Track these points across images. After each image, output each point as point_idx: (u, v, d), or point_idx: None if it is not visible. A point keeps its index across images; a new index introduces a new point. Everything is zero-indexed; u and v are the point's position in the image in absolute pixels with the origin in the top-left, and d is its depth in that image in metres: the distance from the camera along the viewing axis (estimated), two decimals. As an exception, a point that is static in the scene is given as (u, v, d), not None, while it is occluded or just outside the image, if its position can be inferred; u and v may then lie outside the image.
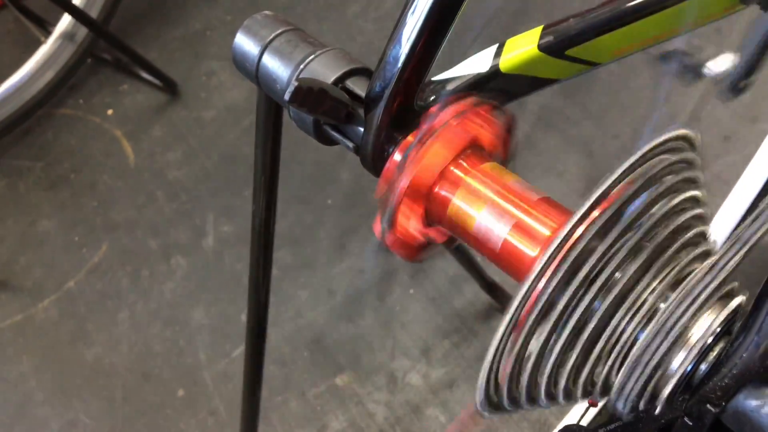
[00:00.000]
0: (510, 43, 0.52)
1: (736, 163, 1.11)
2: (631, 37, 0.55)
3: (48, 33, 1.41)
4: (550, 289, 0.33)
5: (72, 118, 1.44)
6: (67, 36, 1.41)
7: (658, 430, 0.39)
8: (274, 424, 1.01)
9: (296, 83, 0.40)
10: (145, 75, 1.44)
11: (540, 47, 0.51)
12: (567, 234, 0.33)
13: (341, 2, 1.53)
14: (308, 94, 0.42)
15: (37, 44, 1.40)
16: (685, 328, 0.33)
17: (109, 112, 1.43)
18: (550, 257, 0.33)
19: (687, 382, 0.34)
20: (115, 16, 1.47)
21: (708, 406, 0.34)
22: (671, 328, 0.33)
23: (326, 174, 1.25)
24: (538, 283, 0.33)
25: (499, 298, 1.05)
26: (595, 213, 0.33)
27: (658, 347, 0.33)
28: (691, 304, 0.34)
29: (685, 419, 0.36)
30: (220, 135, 1.36)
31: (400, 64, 0.44)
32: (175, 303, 1.16)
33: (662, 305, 0.34)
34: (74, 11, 1.32)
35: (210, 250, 1.21)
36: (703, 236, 0.36)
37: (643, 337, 0.33)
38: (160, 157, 1.35)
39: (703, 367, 0.34)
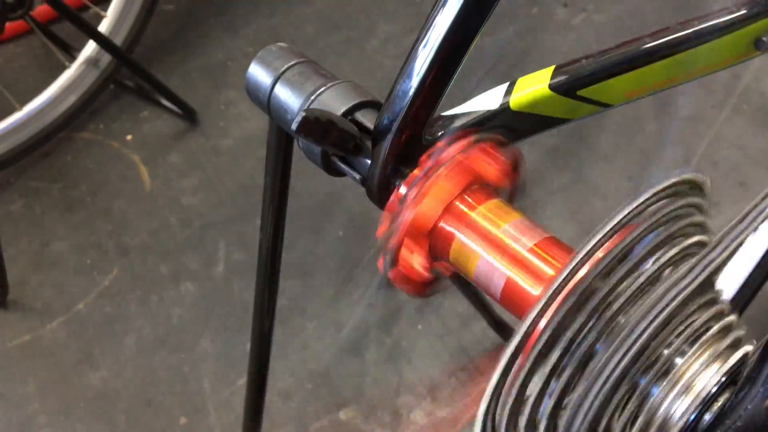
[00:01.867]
0: (521, 81, 0.52)
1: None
2: (642, 81, 0.55)
3: (73, 58, 1.44)
4: (551, 328, 0.32)
5: (91, 142, 1.46)
6: (91, 62, 1.44)
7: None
8: (275, 457, 1.00)
9: (304, 114, 0.41)
10: (165, 102, 1.46)
11: (551, 87, 0.52)
12: (570, 272, 0.32)
13: (361, 38, 1.55)
14: (315, 125, 0.42)
15: (62, 69, 1.43)
16: (691, 376, 0.33)
17: (128, 137, 1.45)
18: (551, 295, 0.32)
19: (691, 431, 0.33)
20: (139, 44, 1.50)
21: (711, 458, 0.33)
22: (674, 377, 0.33)
23: (337, 206, 1.26)
24: (539, 321, 0.32)
25: (507, 336, 1.03)
26: (599, 253, 0.33)
27: (661, 397, 0.33)
28: (696, 352, 0.33)
29: (689, 471, 0.35)
30: (235, 164, 1.37)
31: (408, 98, 0.44)
32: (182, 329, 1.15)
33: (665, 351, 0.33)
34: (99, 38, 1.35)
35: (220, 277, 1.21)
36: (710, 284, 0.35)
37: (644, 382, 0.33)
38: (176, 184, 1.36)
39: (708, 417, 0.33)
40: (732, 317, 0.35)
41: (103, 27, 1.43)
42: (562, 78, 0.51)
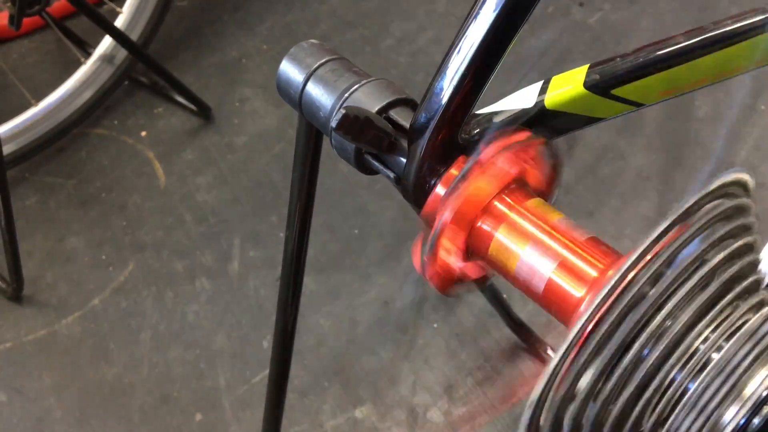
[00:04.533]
0: (556, 80, 0.52)
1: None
2: (677, 80, 0.54)
3: (88, 54, 1.44)
4: (600, 334, 0.32)
5: (106, 138, 1.46)
6: (107, 58, 1.44)
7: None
8: (291, 455, 1.00)
9: (344, 111, 0.40)
10: (180, 99, 1.46)
11: (586, 85, 0.51)
12: (620, 277, 0.32)
13: (375, 36, 1.54)
14: (354, 123, 0.42)
15: (77, 65, 1.43)
16: (739, 380, 0.32)
17: (143, 133, 1.45)
18: (602, 300, 0.32)
19: (739, 436, 0.33)
20: (154, 40, 1.49)
21: (760, 462, 0.33)
22: (725, 380, 0.32)
23: (353, 204, 1.25)
24: (588, 326, 0.32)
25: (526, 337, 1.03)
26: (648, 257, 0.33)
27: (709, 399, 0.32)
28: (747, 355, 0.32)
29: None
30: (250, 160, 1.37)
31: (446, 97, 0.44)
32: (197, 325, 1.15)
33: (715, 355, 0.32)
34: (115, 34, 1.35)
35: (235, 274, 1.21)
36: (758, 284, 0.35)
37: (693, 387, 0.32)
38: (191, 180, 1.36)
39: (757, 421, 0.33)
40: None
41: (119, 23, 1.43)
42: (596, 77, 0.51)
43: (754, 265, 0.36)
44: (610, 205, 1.20)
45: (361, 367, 1.06)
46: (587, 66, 0.52)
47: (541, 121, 0.50)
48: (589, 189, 1.22)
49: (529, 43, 1.46)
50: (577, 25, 1.49)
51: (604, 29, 1.47)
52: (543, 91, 0.51)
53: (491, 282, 0.86)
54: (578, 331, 0.32)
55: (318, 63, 0.50)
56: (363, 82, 0.48)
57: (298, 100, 0.51)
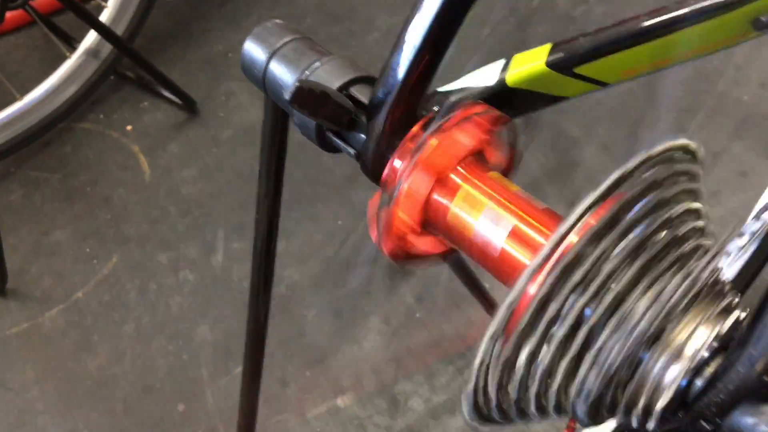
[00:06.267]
0: (518, 57, 0.52)
1: (752, 200, 1.09)
2: (640, 59, 0.54)
3: (73, 49, 1.44)
4: (540, 296, 0.32)
5: (92, 132, 1.46)
6: (92, 52, 1.44)
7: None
8: (273, 444, 1.00)
9: (298, 84, 0.40)
10: (165, 93, 1.46)
11: (548, 63, 0.51)
12: (559, 238, 0.32)
13: (362, 29, 1.55)
14: (309, 96, 0.42)
15: (63, 59, 1.43)
16: (679, 341, 0.32)
17: (129, 128, 1.45)
18: (540, 262, 0.32)
19: (683, 398, 0.33)
20: (140, 35, 1.49)
21: (703, 423, 0.33)
22: (666, 342, 0.32)
23: (337, 195, 1.26)
24: (527, 288, 0.32)
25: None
26: (590, 219, 0.33)
27: (650, 360, 0.32)
28: (686, 315, 0.33)
29: (681, 439, 0.35)
30: (235, 153, 1.37)
31: (403, 72, 0.44)
32: (180, 317, 1.16)
33: (653, 317, 0.32)
34: (100, 28, 1.35)
35: (219, 266, 1.21)
36: (703, 250, 0.35)
37: (631, 347, 0.32)
38: (176, 174, 1.36)
39: (699, 382, 0.33)
40: (726, 284, 0.35)
41: (104, 17, 1.43)
42: (559, 55, 0.51)
43: (699, 231, 0.36)
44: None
45: (344, 356, 1.07)
46: (550, 44, 0.53)
47: (502, 98, 0.51)
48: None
49: (514, 36, 1.47)
50: (563, 17, 1.50)
51: (589, 21, 1.48)
52: (505, 68, 0.51)
53: (469, 267, 0.87)
54: (518, 292, 0.32)
55: (281, 42, 0.51)
56: (325, 60, 0.49)
57: (262, 80, 0.51)
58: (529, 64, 0.51)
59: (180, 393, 1.07)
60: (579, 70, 0.52)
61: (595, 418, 0.34)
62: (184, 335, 1.13)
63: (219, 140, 1.40)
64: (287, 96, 0.41)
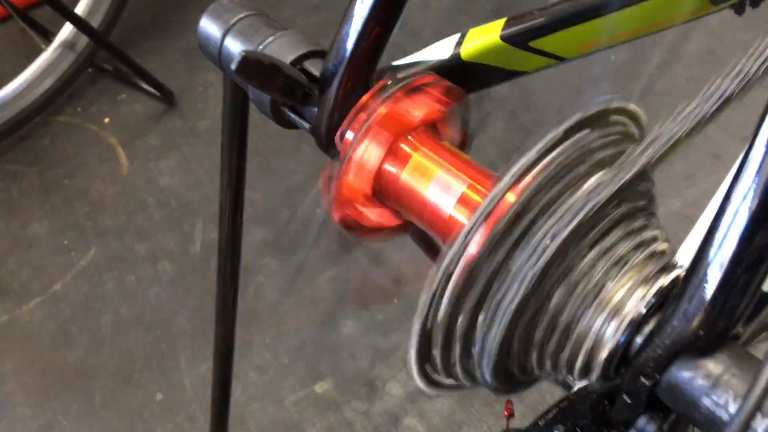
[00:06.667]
0: (473, 32, 0.52)
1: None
2: (596, 33, 0.55)
3: (49, 42, 1.43)
4: (474, 253, 0.32)
5: (69, 125, 1.45)
6: (68, 45, 1.43)
7: (597, 410, 0.38)
8: (251, 431, 1.00)
9: (243, 53, 0.40)
10: (143, 85, 1.45)
11: (503, 37, 0.51)
12: (495, 195, 0.32)
13: (339, 19, 1.54)
14: (257, 67, 0.42)
15: (39, 53, 1.42)
16: (620, 299, 0.33)
17: (106, 120, 1.45)
18: (476, 221, 0.32)
19: (624, 355, 0.34)
20: (117, 27, 1.49)
21: (642, 379, 0.33)
22: (604, 301, 0.33)
23: (316, 183, 1.25)
24: (465, 247, 0.32)
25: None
26: (527, 178, 0.33)
27: (590, 319, 0.33)
28: (627, 277, 0.33)
29: (624, 396, 0.35)
30: (213, 144, 1.37)
31: (352, 43, 0.44)
32: (159, 308, 1.15)
33: (591, 273, 0.33)
34: (76, 20, 1.34)
35: (197, 256, 1.21)
36: (643, 210, 0.36)
37: (571, 304, 0.33)
38: (154, 165, 1.35)
39: (639, 339, 0.33)
40: (665, 243, 0.35)
41: (80, 9, 1.43)
42: (513, 29, 0.51)
43: (643, 194, 0.36)
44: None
45: (322, 343, 1.07)
46: (505, 18, 0.53)
47: (457, 72, 0.51)
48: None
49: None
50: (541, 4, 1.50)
51: None
52: (459, 42, 0.51)
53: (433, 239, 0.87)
54: (455, 250, 0.32)
55: (236, 18, 0.50)
56: (279, 34, 0.49)
57: (218, 57, 0.51)
58: (483, 37, 0.51)
59: (158, 382, 1.07)
60: (534, 44, 0.52)
61: (504, 382, 0.34)
62: (162, 325, 1.13)
63: (197, 131, 1.40)
64: (232, 66, 0.41)
